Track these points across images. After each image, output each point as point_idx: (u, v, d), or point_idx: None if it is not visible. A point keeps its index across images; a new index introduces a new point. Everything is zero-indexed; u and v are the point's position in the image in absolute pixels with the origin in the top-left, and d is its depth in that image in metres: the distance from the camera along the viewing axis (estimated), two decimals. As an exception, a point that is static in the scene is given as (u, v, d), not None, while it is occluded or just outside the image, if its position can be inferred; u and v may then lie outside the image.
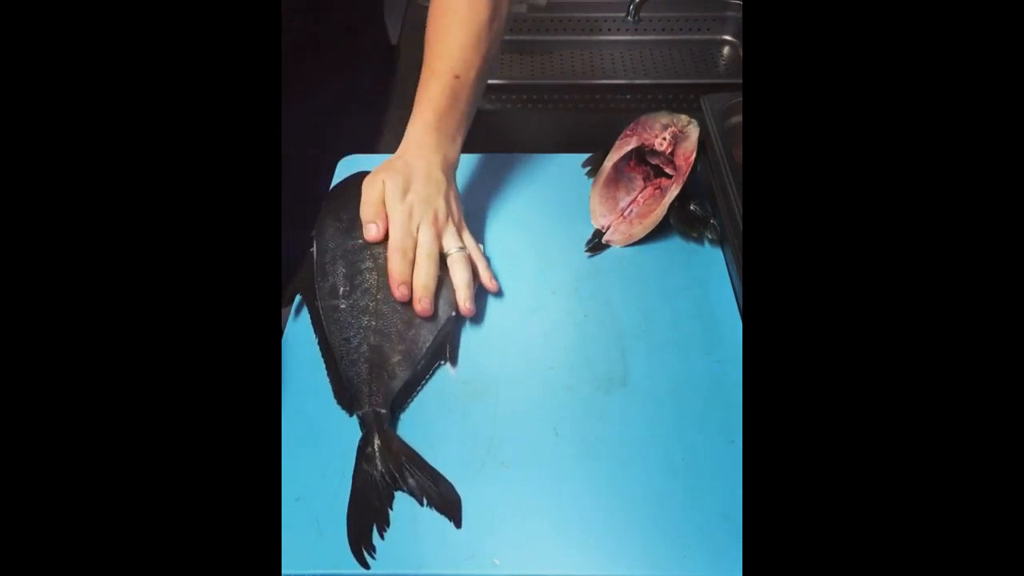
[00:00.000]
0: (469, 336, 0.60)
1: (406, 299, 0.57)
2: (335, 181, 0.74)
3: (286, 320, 0.62)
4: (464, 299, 0.59)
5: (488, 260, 0.65)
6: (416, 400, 0.56)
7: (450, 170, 0.64)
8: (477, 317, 0.62)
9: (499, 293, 0.64)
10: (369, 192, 0.60)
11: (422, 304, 0.57)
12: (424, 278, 0.58)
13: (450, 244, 0.60)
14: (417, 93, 0.64)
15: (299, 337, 0.60)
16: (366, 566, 0.46)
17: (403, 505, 0.49)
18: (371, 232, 0.59)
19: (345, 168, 0.76)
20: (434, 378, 0.57)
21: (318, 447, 0.52)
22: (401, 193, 0.59)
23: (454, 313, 0.59)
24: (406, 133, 0.63)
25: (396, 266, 0.57)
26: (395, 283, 0.57)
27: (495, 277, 0.63)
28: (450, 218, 0.61)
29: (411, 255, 0.58)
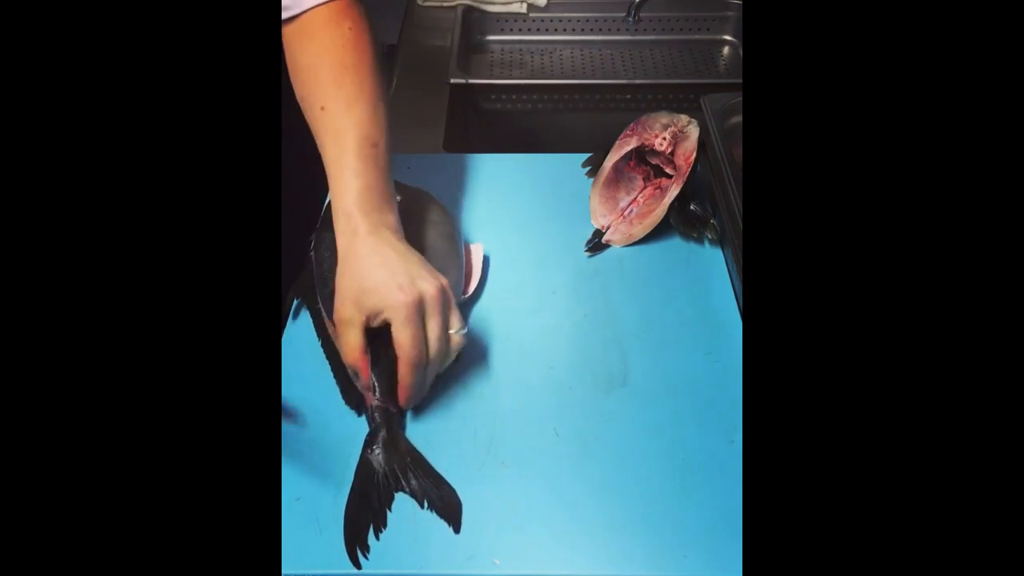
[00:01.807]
0: (470, 336, 0.60)
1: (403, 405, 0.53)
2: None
3: (285, 322, 0.62)
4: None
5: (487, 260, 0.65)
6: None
7: (401, 237, 0.56)
8: (478, 317, 0.62)
9: (486, 265, 0.64)
10: (346, 339, 0.52)
11: (411, 404, 0.54)
12: (429, 378, 0.53)
13: (453, 324, 0.54)
14: (332, 168, 0.55)
15: (299, 338, 0.60)
16: (358, 566, 0.46)
17: (404, 505, 0.49)
18: (361, 381, 0.53)
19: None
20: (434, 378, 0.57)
21: (318, 447, 0.52)
22: (397, 288, 0.51)
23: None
24: (337, 222, 0.54)
25: (409, 382, 0.51)
26: (405, 399, 0.52)
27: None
28: (444, 293, 0.53)
29: (422, 363, 0.52)
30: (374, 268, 0.52)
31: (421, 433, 0.53)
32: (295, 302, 0.62)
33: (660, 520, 0.48)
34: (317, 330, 0.59)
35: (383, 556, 0.46)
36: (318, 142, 0.57)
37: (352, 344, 0.52)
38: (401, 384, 0.52)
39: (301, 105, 0.58)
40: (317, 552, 0.47)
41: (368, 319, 0.52)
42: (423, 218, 0.64)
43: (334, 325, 0.55)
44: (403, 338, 0.50)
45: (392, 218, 0.56)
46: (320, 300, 0.59)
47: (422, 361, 0.51)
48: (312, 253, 0.62)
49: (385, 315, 0.51)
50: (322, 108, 0.56)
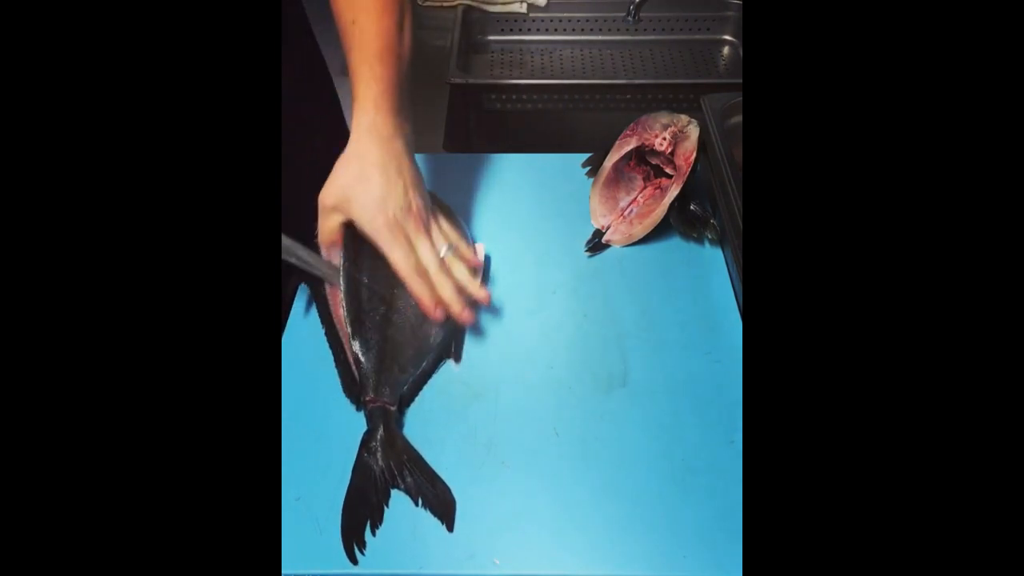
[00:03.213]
0: (470, 336, 0.60)
1: (444, 318, 0.57)
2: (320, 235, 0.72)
3: (285, 320, 0.62)
4: (475, 290, 0.59)
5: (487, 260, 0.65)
6: (417, 400, 0.56)
7: (411, 149, 0.61)
8: (477, 317, 0.62)
9: (487, 265, 0.65)
10: (324, 222, 0.58)
11: (465, 313, 0.57)
12: (449, 292, 0.57)
13: (440, 246, 0.60)
14: (356, 76, 0.60)
15: (300, 338, 0.60)
16: (355, 561, 0.46)
17: (404, 505, 0.49)
18: (331, 264, 0.58)
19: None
20: (434, 377, 0.57)
21: (319, 446, 0.52)
22: (381, 211, 0.56)
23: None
24: (356, 119, 0.59)
25: (422, 290, 0.56)
26: (430, 307, 0.56)
27: (475, 252, 0.63)
28: (429, 214, 0.60)
29: (422, 269, 0.57)
30: (375, 183, 0.56)
31: (422, 433, 0.53)
32: (300, 289, 0.63)
33: (660, 520, 0.48)
34: (322, 318, 0.60)
35: (383, 556, 0.46)
36: (346, 54, 0.61)
37: (330, 227, 0.58)
38: (417, 298, 0.56)
39: (336, 22, 0.62)
40: (317, 552, 0.47)
41: (347, 216, 0.57)
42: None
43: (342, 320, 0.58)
44: (393, 256, 0.56)
45: (406, 128, 0.60)
46: (344, 267, 0.60)
47: (419, 269, 0.56)
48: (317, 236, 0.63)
49: (362, 228, 0.56)
50: (353, 22, 0.60)
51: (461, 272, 0.59)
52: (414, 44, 0.63)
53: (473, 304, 0.60)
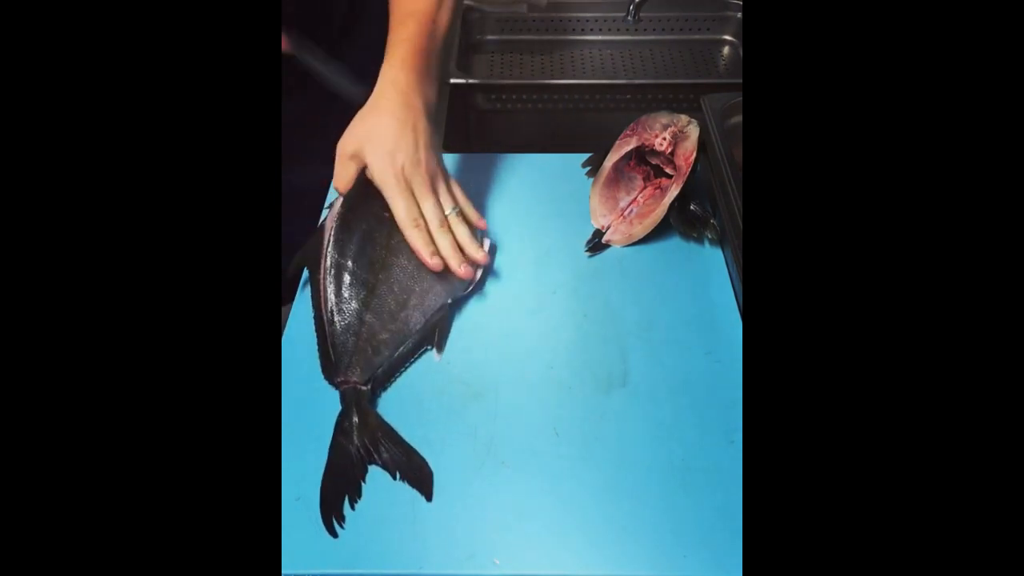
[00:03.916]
0: (469, 336, 0.60)
1: (441, 268, 0.59)
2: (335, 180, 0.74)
3: (287, 318, 0.62)
4: (474, 251, 0.61)
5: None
6: (416, 399, 0.56)
7: (431, 112, 0.63)
8: (477, 316, 0.62)
9: (494, 256, 0.66)
10: (341, 169, 0.60)
11: (463, 268, 0.59)
12: (448, 247, 0.59)
13: (446, 205, 0.61)
14: (391, 33, 0.62)
15: (300, 336, 0.60)
16: (334, 534, 0.47)
17: (404, 505, 0.49)
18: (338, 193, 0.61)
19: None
20: (433, 377, 0.57)
21: (319, 446, 0.52)
22: (390, 162, 0.58)
23: (449, 301, 0.61)
24: (382, 73, 0.61)
25: (418, 241, 0.58)
26: (426, 256, 0.58)
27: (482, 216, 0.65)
28: (438, 174, 0.61)
29: (423, 223, 0.59)
30: (388, 129, 0.58)
31: (421, 433, 0.53)
32: (303, 272, 0.64)
33: (660, 520, 0.48)
34: (313, 301, 0.61)
35: (383, 555, 0.46)
36: (390, 17, 0.64)
37: (349, 173, 0.60)
38: (415, 248, 0.58)
39: None
40: (317, 552, 0.47)
41: (362, 165, 0.60)
42: None
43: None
44: (396, 207, 0.58)
45: (430, 89, 0.63)
46: (327, 254, 0.61)
47: (419, 221, 0.58)
48: (324, 215, 0.65)
49: (372, 175, 0.59)
50: None
51: (463, 232, 0.61)
52: (453, 21, 0.65)
53: (473, 264, 0.61)
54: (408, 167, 0.58)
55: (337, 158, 0.60)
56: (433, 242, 0.59)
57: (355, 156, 0.59)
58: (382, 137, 0.58)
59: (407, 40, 0.61)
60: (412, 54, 0.61)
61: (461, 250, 0.61)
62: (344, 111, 0.69)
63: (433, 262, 0.58)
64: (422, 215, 0.59)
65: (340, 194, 0.61)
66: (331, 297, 0.58)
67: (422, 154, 0.59)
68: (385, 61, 0.61)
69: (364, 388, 0.54)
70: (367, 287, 0.58)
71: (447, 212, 0.61)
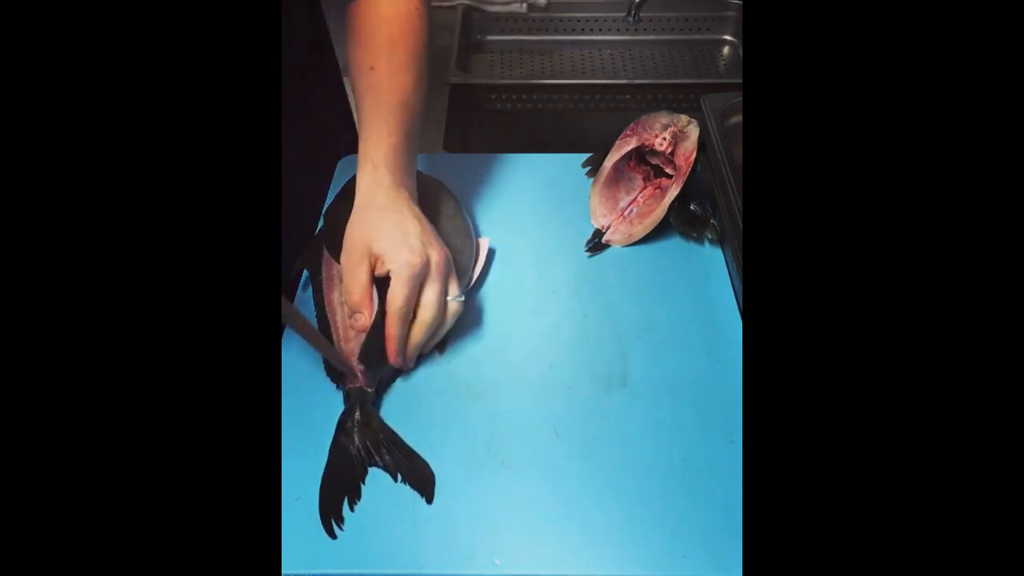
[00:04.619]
0: (469, 336, 0.60)
1: (394, 357, 0.55)
2: (335, 181, 0.74)
3: (287, 315, 0.63)
4: (413, 350, 0.57)
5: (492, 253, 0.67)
6: (416, 399, 0.56)
7: (414, 201, 0.59)
8: (477, 316, 0.62)
9: (491, 258, 0.65)
10: (353, 278, 0.55)
11: (409, 364, 0.57)
12: (418, 342, 0.56)
13: (450, 291, 0.57)
14: (366, 126, 0.58)
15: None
16: (333, 536, 0.47)
17: (404, 505, 0.49)
18: (359, 322, 0.55)
19: (345, 168, 0.76)
20: (434, 378, 0.57)
21: (319, 446, 0.52)
22: (404, 247, 0.53)
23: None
24: (362, 174, 0.57)
25: (396, 331, 0.54)
26: (392, 351, 0.54)
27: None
28: (449, 259, 0.57)
29: (406, 318, 0.54)
30: (391, 223, 0.55)
31: (421, 433, 0.53)
32: (304, 274, 0.64)
33: (660, 520, 0.48)
34: (315, 301, 0.61)
35: (383, 555, 0.46)
36: (358, 101, 0.60)
37: (360, 282, 0.55)
38: (388, 335, 0.54)
39: (350, 68, 0.62)
40: (317, 552, 0.47)
41: (374, 266, 0.55)
42: (436, 207, 0.66)
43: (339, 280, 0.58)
44: (397, 293, 0.53)
45: (412, 186, 0.60)
46: (324, 261, 0.61)
47: (407, 318, 0.54)
48: (322, 222, 0.65)
49: (389, 267, 0.54)
50: (371, 68, 0.60)
51: (431, 332, 0.56)
52: (426, 100, 0.62)
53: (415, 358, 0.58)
54: (420, 250, 0.54)
55: (345, 266, 0.56)
56: (404, 340, 0.55)
57: (365, 255, 0.55)
58: (389, 232, 0.54)
59: (390, 135, 0.57)
60: (394, 151, 0.58)
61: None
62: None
63: (395, 360, 0.55)
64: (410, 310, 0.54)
65: (354, 306, 0.56)
66: (334, 296, 0.58)
67: (432, 237, 0.56)
68: (364, 159, 0.57)
69: (369, 390, 0.54)
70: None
71: (449, 298, 0.56)
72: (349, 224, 0.56)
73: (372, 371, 0.55)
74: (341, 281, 0.60)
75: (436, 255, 0.55)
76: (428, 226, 0.57)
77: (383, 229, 0.55)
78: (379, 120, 0.58)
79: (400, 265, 0.53)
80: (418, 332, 0.55)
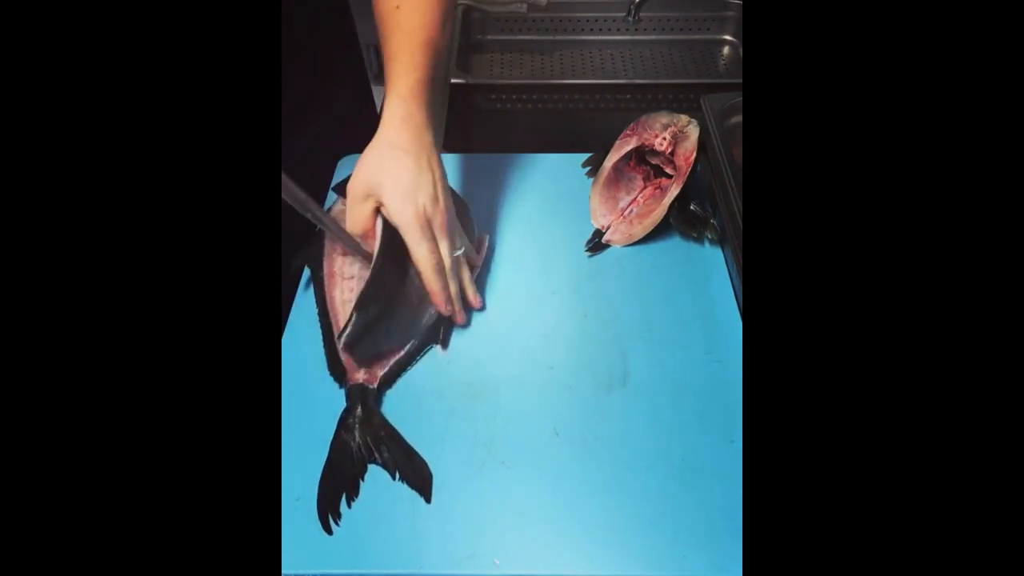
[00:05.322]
0: (470, 336, 0.60)
1: (450, 313, 0.59)
2: (335, 181, 0.74)
3: (288, 314, 0.63)
4: (472, 296, 0.61)
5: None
6: (416, 399, 0.56)
7: (439, 146, 0.61)
8: (478, 316, 0.62)
9: (492, 253, 0.66)
10: (356, 213, 0.57)
11: (462, 315, 0.60)
12: (456, 292, 0.59)
13: (458, 246, 0.60)
14: (392, 62, 0.59)
15: (301, 337, 0.60)
16: (329, 531, 0.47)
17: (404, 505, 0.49)
18: (366, 249, 0.58)
19: (345, 168, 0.76)
20: (434, 377, 0.57)
21: (319, 446, 0.52)
22: (411, 203, 0.55)
23: None
24: (389, 106, 0.58)
25: (437, 286, 0.57)
26: (441, 301, 0.58)
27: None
28: (453, 212, 0.60)
29: (443, 268, 0.57)
30: (405, 169, 0.56)
31: (421, 433, 0.53)
32: (304, 271, 0.64)
33: (660, 520, 0.48)
34: (316, 296, 0.61)
35: (383, 555, 0.46)
36: (384, 41, 0.60)
37: (363, 217, 0.57)
38: (432, 293, 0.57)
39: (376, 8, 0.62)
40: (317, 552, 0.47)
41: (378, 207, 0.57)
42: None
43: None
44: (417, 252, 0.56)
45: (438, 124, 0.62)
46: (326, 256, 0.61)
47: (438, 267, 0.56)
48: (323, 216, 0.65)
49: (393, 219, 0.55)
50: (397, 7, 0.60)
51: (466, 277, 0.61)
52: (451, 41, 0.63)
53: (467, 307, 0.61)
54: (429, 205, 0.56)
55: (349, 199, 0.57)
56: (448, 286, 0.58)
57: (370, 196, 0.56)
58: (399, 175, 0.55)
59: (416, 69, 0.58)
60: (421, 86, 0.58)
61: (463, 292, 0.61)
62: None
63: (447, 309, 0.58)
64: (440, 258, 0.57)
65: (357, 235, 0.59)
66: (337, 293, 0.59)
67: (440, 193, 0.57)
68: (391, 93, 0.58)
69: (371, 387, 0.55)
70: (389, 290, 0.58)
71: (457, 253, 0.59)
72: (365, 154, 0.57)
73: (372, 365, 0.55)
74: (344, 278, 0.60)
75: (440, 215, 0.56)
76: (440, 176, 0.58)
77: (394, 174, 0.55)
78: (405, 55, 0.58)
79: (407, 221, 0.55)
80: (452, 286, 0.58)
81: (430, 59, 0.58)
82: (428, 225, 0.56)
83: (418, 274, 0.57)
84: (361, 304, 0.54)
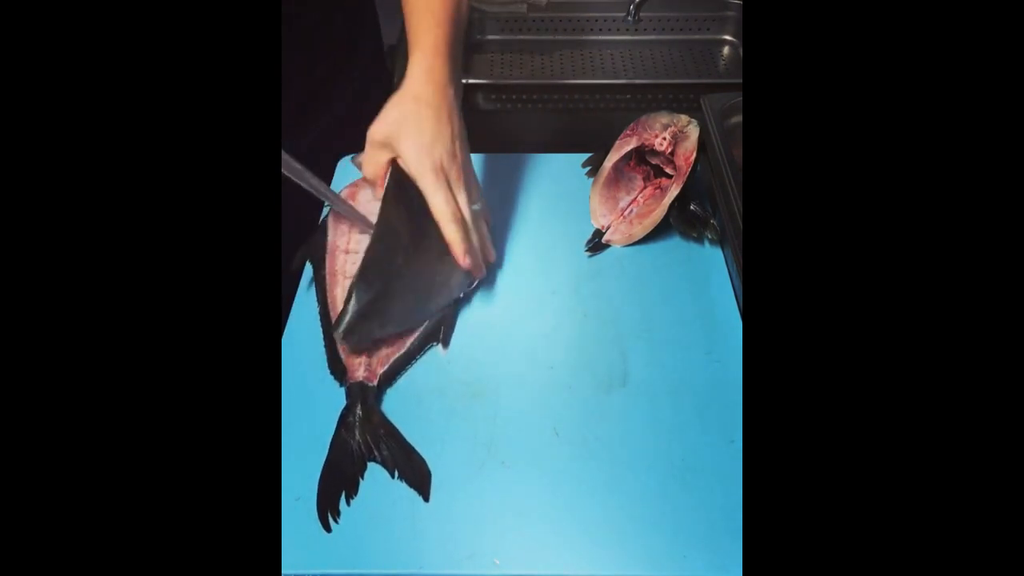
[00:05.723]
0: (470, 336, 0.60)
1: (469, 266, 0.59)
2: (335, 182, 0.74)
3: (288, 311, 0.63)
4: (489, 251, 0.63)
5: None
6: (417, 399, 0.56)
7: (460, 102, 0.61)
8: (478, 316, 0.62)
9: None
10: (371, 158, 0.59)
11: (481, 269, 0.61)
12: (475, 245, 0.59)
13: (473, 200, 0.61)
14: (415, 20, 0.60)
15: (301, 337, 0.60)
16: (329, 529, 0.47)
17: (404, 505, 0.49)
18: (377, 191, 0.59)
19: (344, 169, 0.76)
20: (434, 377, 0.57)
21: (319, 446, 0.52)
22: (428, 154, 0.56)
23: (455, 297, 0.61)
24: (414, 61, 0.59)
25: (456, 236, 0.57)
26: (459, 252, 0.58)
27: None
28: (470, 167, 0.61)
29: (461, 218, 0.58)
30: (425, 121, 0.57)
31: (421, 432, 0.53)
32: (306, 267, 0.64)
33: (660, 520, 0.48)
34: (318, 294, 0.61)
35: (383, 555, 0.46)
36: (406, 4, 0.62)
37: (377, 162, 0.58)
38: (451, 243, 0.57)
39: None
40: (317, 552, 0.47)
41: (394, 156, 0.58)
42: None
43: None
44: (434, 201, 0.56)
45: (459, 82, 0.61)
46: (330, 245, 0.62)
47: (458, 215, 0.57)
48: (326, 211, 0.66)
49: (409, 170, 0.57)
50: None
51: (483, 231, 0.61)
52: (468, 11, 0.64)
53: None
54: (446, 159, 0.57)
55: (367, 145, 0.58)
56: (467, 237, 0.58)
57: (387, 144, 0.57)
58: (419, 127, 0.56)
59: (439, 26, 0.59)
60: (444, 42, 0.59)
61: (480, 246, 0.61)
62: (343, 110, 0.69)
63: (466, 260, 0.58)
64: (457, 208, 0.58)
65: (369, 182, 0.60)
66: (339, 279, 0.59)
67: (457, 147, 0.58)
68: (415, 48, 0.59)
69: (371, 385, 0.55)
70: (399, 262, 0.58)
71: (474, 207, 0.60)
72: (388, 105, 0.58)
73: (371, 362, 0.55)
74: (345, 276, 0.60)
75: (456, 168, 0.57)
76: (460, 132, 0.59)
77: (413, 127, 0.56)
78: (428, 14, 0.59)
79: (423, 171, 0.56)
80: (471, 238, 0.58)
81: (452, 18, 0.60)
82: (444, 176, 0.57)
83: (439, 226, 0.57)
84: (362, 274, 0.54)
